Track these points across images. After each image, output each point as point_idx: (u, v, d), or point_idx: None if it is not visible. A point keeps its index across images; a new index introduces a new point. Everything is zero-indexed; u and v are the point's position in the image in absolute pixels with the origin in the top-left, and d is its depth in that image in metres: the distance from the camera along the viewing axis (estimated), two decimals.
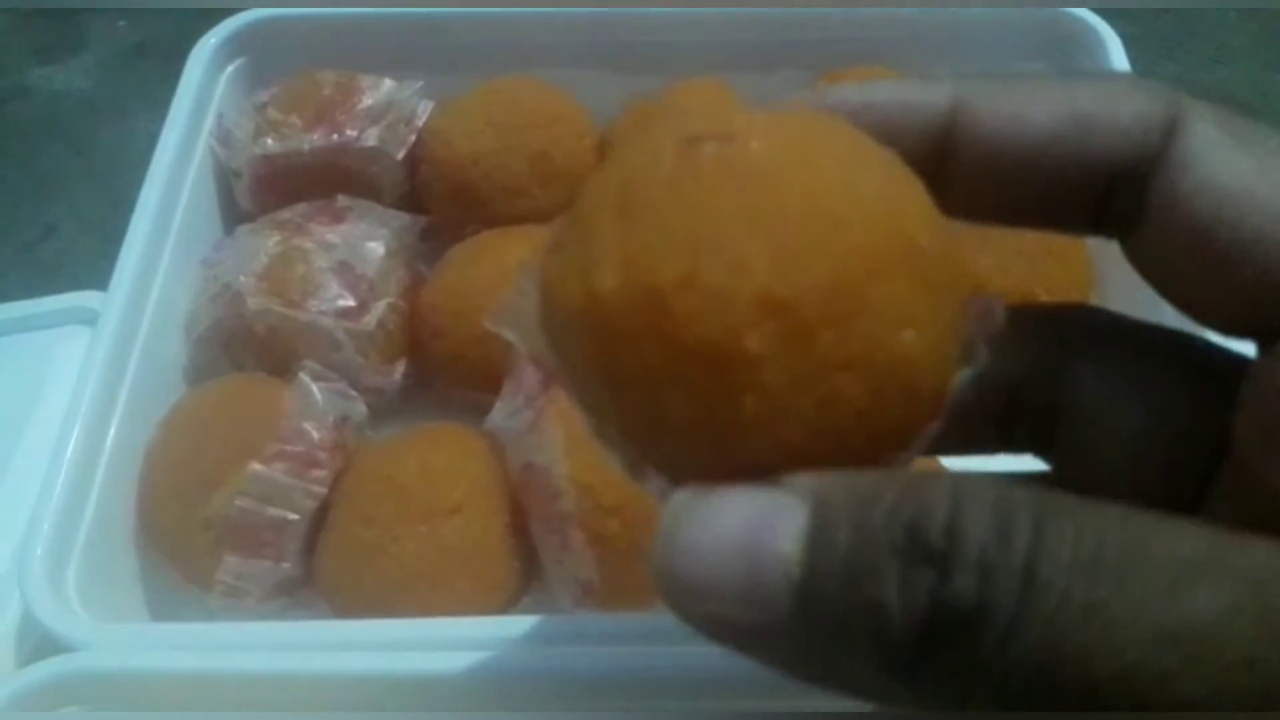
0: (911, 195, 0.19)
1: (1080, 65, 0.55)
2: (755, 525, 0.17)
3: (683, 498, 0.18)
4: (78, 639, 0.38)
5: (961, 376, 0.19)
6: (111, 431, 0.44)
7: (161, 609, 0.45)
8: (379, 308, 0.48)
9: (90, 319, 0.53)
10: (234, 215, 0.54)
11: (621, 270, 0.18)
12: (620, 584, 0.41)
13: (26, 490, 0.44)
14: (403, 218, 0.51)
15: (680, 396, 0.18)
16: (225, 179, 0.54)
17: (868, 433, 0.18)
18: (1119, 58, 0.54)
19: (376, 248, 0.49)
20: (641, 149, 0.19)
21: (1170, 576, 0.15)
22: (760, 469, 0.17)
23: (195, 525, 0.42)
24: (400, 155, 0.53)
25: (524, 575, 0.43)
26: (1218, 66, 0.80)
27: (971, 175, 0.21)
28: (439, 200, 0.53)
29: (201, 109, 0.54)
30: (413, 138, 0.53)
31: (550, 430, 0.42)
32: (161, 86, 0.55)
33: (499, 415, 0.44)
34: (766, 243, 0.17)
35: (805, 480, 0.17)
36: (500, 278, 0.48)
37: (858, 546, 0.16)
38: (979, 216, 0.22)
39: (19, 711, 0.37)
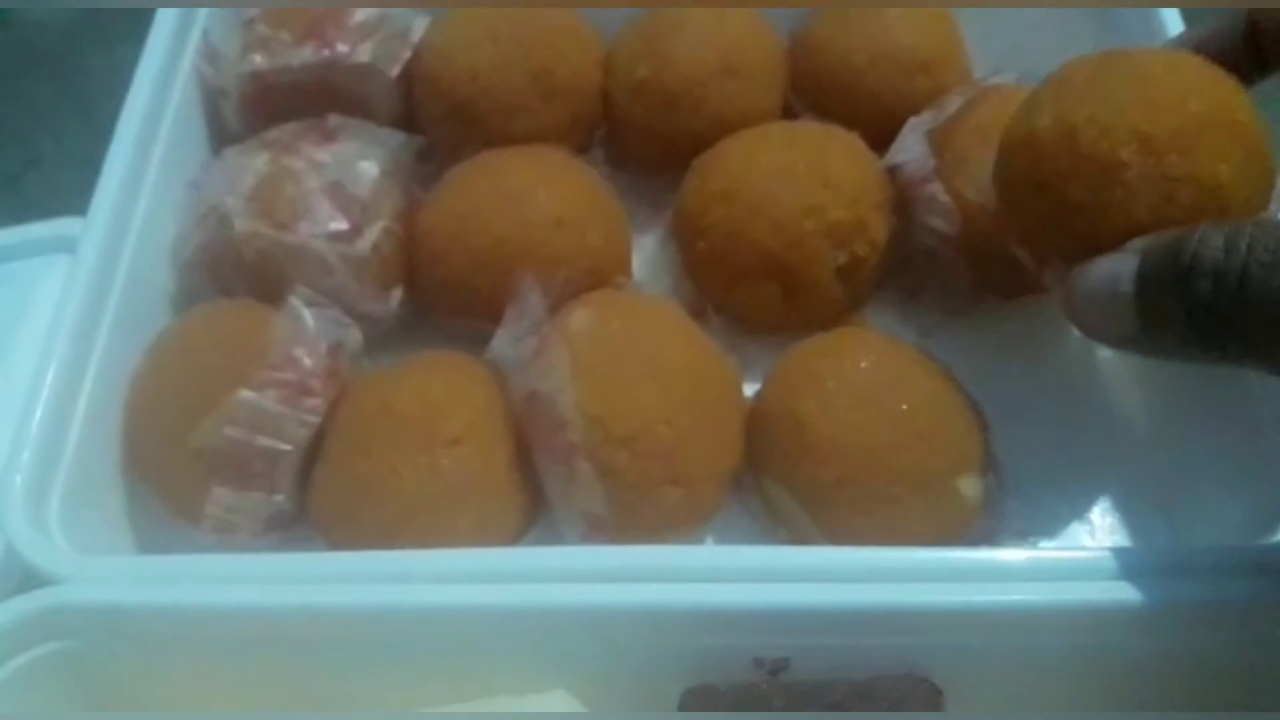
0: (1236, 90, 0.35)
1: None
2: (1112, 276, 0.33)
3: (1079, 268, 0.34)
4: (59, 572, 0.36)
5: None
6: (94, 359, 0.42)
7: (148, 543, 0.43)
8: (373, 231, 0.45)
9: (72, 247, 0.50)
10: (222, 136, 0.51)
11: (1052, 114, 0.36)
12: (631, 518, 0.39)
13: (6, 422, 0.42)
14: (398, 136, 0.48)
15: (1079, 187, 0.35)
16: (212, 99, 0.51)
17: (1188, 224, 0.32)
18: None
19: (370, 168, 0.46)
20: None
21: None
22: (1118, 242, 0.34)
23: (182, 456, 0.39)
24: (395, 72, 0.50)
25: (529, 510, 0.41)
26: None
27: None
28: (436, 119, 0.51)
29: (186, 26, 0.51)
30: (408, 53, 0.50)
31: (556, 357, 0.39)
32: (147, 14, 0.52)
33: (501, 343, 0.41)
34: (1141, 101, 0.34)
35: (1138, 241, 0.33)
36: (500, 198, 0.45)
37: (1158, 273, 0.31)
38: None
39: (0, 647, 0.35)
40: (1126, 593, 0.33)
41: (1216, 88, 0.35)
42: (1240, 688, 0.34)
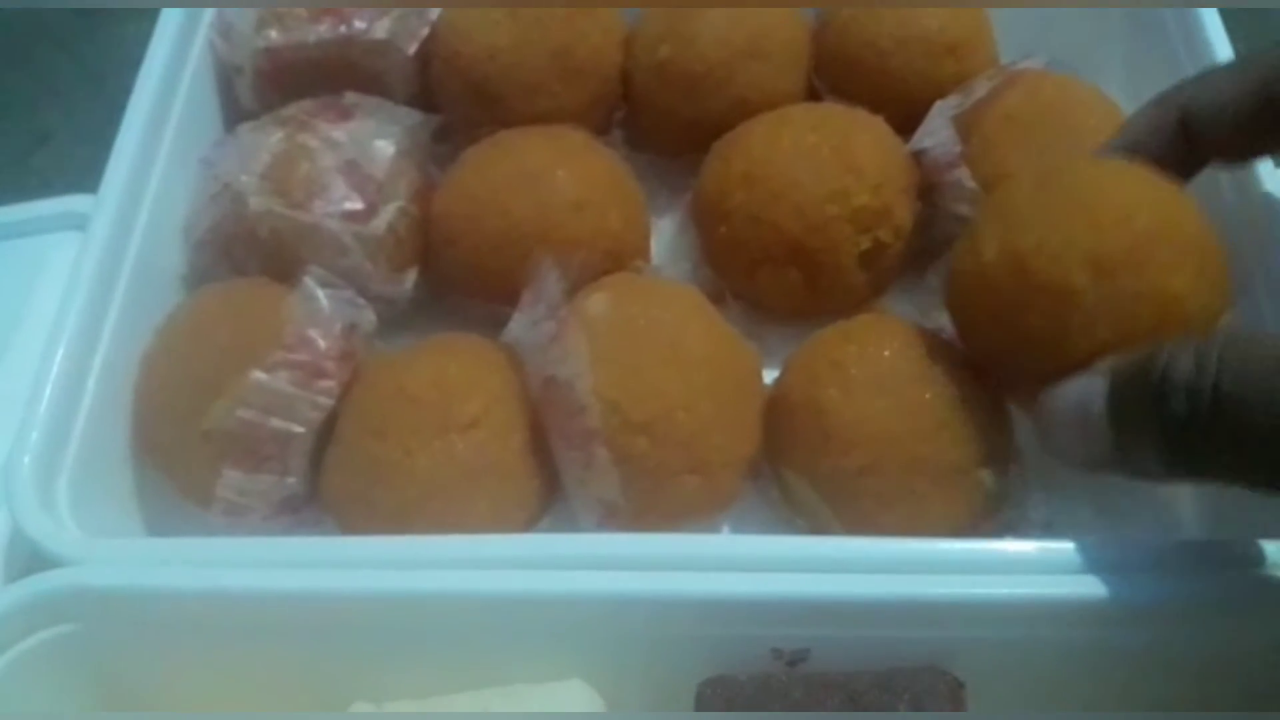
0: (1181, 197, 0.35)
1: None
2: (1082, 399, 0.32)
3: (1047, 392, 0.34)
4: (68, 554, 0.36)
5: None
6: (104, 338, 0.41)
7: (157, 525, 0.42)
8: (388, 211, 0.44)
9: (82, 224, 0.49)
10: (236, 113, 0.50)
11: (998, 245, 0.36)
12: (647, 505, 0.39)
13: (15, 402, 0.42)
14: (414, 115, 0.47)
15: (1035, 317, 0.34)
16: (226, 74, 0.50)
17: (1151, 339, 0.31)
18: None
19: (386, 146, 0.45)
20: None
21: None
22: (1083, 365, 0.33)
23: (194, 437, 0.39)
24: (412, 50, 0.49)
25: (544, 495, 0.40)
26: None
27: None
28: (453, 98, 0.50)
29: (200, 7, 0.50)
30: (425, 30, 0.50)
31: (574, 342, 0.39)
32: None
33: (518, 326, 0.41)
34: (1088, 222, 0.34)
35: (1106, 361, 0.32)
36: (519, 181, 0.45)
37: (1129, 393, 0.31)
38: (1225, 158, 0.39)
39: (7, 630, 0.34)
40: (1150, 586, 0.33)
41: (1163, 198, 0.35)
42: (1270, 681, 0.33)
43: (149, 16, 0.51)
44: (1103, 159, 0.38)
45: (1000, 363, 0.38)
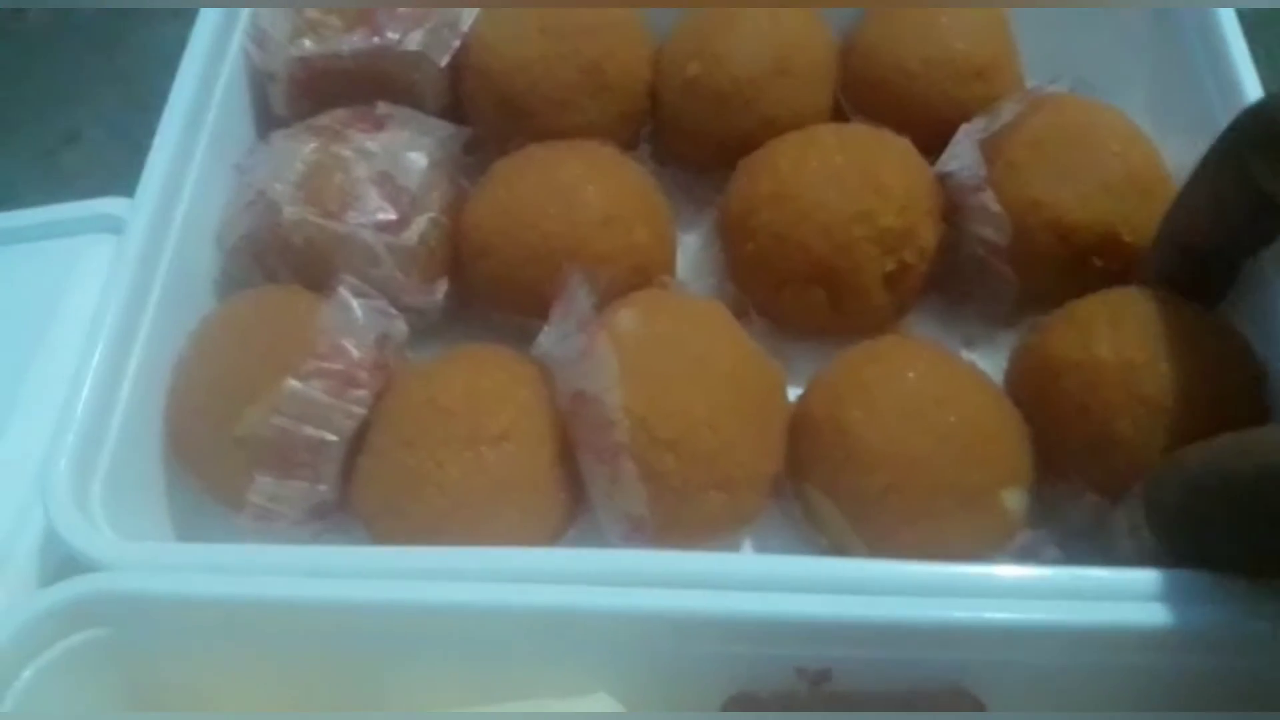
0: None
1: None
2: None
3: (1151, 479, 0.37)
4: (102, 558, 0.36)
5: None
6: (139, 343, 0.42)
7: (188, 529, 0.43)
8: (420, 222, 0.45)
9: (115, 227, 0.50)
10: (268, 121, 0.51)
11: (1112, 346, 0.40)
12: (672, 520, 0.39)
13: (49, 402, 0.42)
14: (447, 127, 0.48)
15: (1125, 423, 0.39)
16: (259, 82, 0.51)
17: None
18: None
19: (419, 158, 0.46)
20: None
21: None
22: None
23: (226, 443, 0.40)
24: (444, 62, 0.50)
25: (571, 507, 0.41)
26: None
27: None
28: (484, 111, 0.50)
29: (235, 9, 0.51)
30: (457, 43, 0.50)
31: (604, 357, 0.39)
32: None
33: (548, 340, 0.41)
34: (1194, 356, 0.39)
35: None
36: (548, 195, 0.45)
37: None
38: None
39: (41, 633, 0.35)
40: (1169, 613, 0.33)
41: (1250, 359, 0.40)
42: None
43: (180, 18, 0.52)
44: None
45: (1061, 453, 0.41)
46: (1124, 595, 0.34)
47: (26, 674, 0.34)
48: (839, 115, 0.51)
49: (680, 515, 0.39)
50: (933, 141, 0.48)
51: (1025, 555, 0.40)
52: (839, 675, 0.34)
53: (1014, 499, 0.39)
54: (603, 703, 0.33)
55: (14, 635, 0.34)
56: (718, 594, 0.33)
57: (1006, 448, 0.40)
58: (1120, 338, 0.39)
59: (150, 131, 0.46)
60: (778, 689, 0.33)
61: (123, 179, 0.49)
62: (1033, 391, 0.41)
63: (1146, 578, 0.34)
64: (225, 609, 0.35)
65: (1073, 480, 0.40)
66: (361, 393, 0.40)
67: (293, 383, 0.39)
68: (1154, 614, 0.33)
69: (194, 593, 0.35)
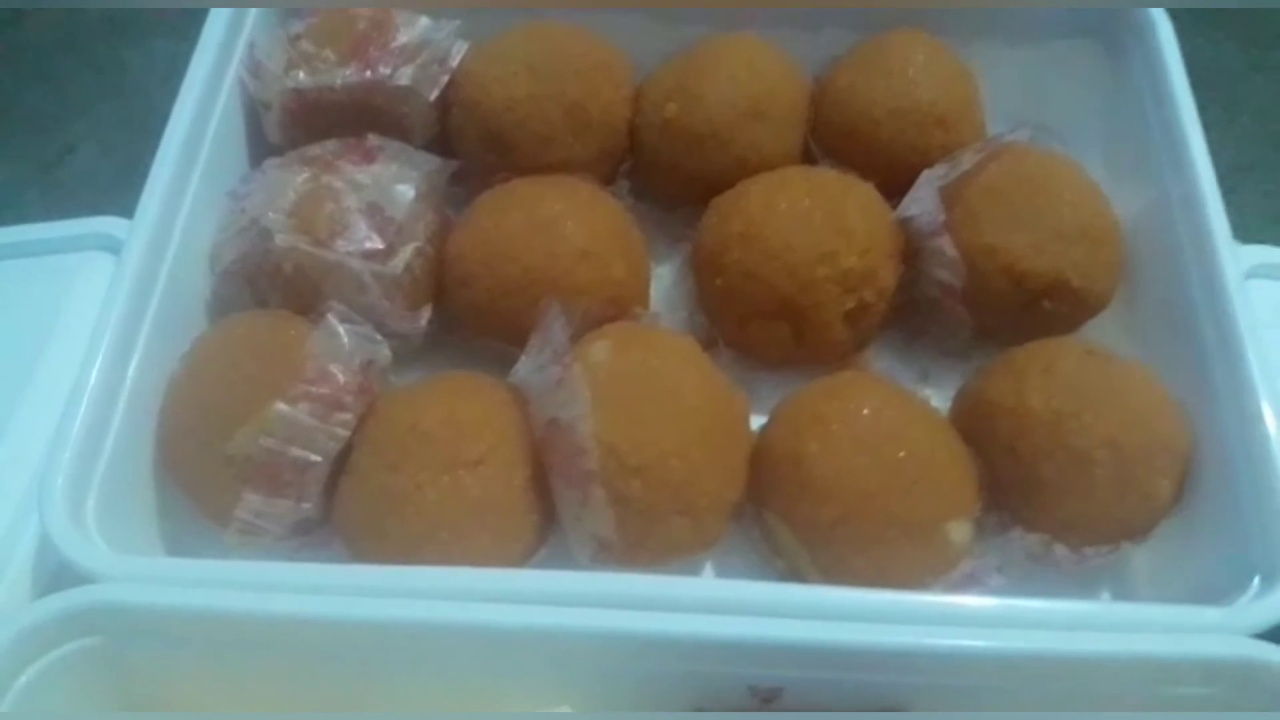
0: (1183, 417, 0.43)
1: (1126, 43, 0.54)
2: None
3: None
4: (97, 570, 0.38)
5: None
6: (134, 361, 0.44)
7: (177, 543, 0.45)
8: (406, 252, 0.47)
9: (111, 245, 0.52)
10: (262, 149, 0.53)
11: (1042, 399, 0.43)
12: (638, 543, 0.41)
13: (46, 416, 0.44)
14: (434, 161, 0.50)
15: (1050, 467, 0.42)
16: (254, 111, 0.53)
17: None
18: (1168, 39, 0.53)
19: (406, 191, 0.48)
20: None
21: None
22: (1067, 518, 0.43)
23: (216, 461, 0.42)
24: (433, 96, 0.52)
25: (542, 528, 0.43)
26: None
27: None
28: (470, 145, 0.52)
29: (232, 38, 0.53)
30: (446, 79, 0.52)
31: (577, 387, 0.41)
32: (185, 9, 0.53)
33: (525, 368, 0.43)
34: (1120, 412, 0.42)
35: None
36: (530, 228, 0.47)
37: None
38: None
39: (37, 641, 0.37)
40: (1099, 641, 0.36)
41: (1178, 414, 0.43)
42: None
43: (173, 35, 0.54)
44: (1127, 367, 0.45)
45: (995, 488, 0.44)
46: (1056, 624, 0.37)
47: (23, 679, 0.36)
48: (808, 157, 0.54)
49: (646, 538, 0.42)
50: (896, 185, 0.50)
51: (969, 582, 0.42)
52: (790, 694, 0.36)
53: (959, 531, 0.42)
54: (567, 717, 0.35)
55: (12, 642, 0.36)
56: (676, 616, 0.36)
57: (953, 482, 0.42)
58: (1049, 388, 0.42)
59: (143, 147, 0.48)
60: (731, 706, 0.35)
61: (116, 194, 0.51)
62: (971, 431, 0.44)
63: (1078, 608, 0.37)
64: (214, 622, 0.37)
65: (1004, 513, 0.43)
66: (346, 416, 0.42)
67: (281, 406, 0.41)
68: (1084, 642, 0.36)
69: (184, 605, 0.37)
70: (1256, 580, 0.39)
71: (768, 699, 0.36)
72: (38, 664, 0.37)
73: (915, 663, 0.36)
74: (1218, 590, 0.40)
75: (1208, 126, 0.50)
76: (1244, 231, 0.52)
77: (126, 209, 0.48)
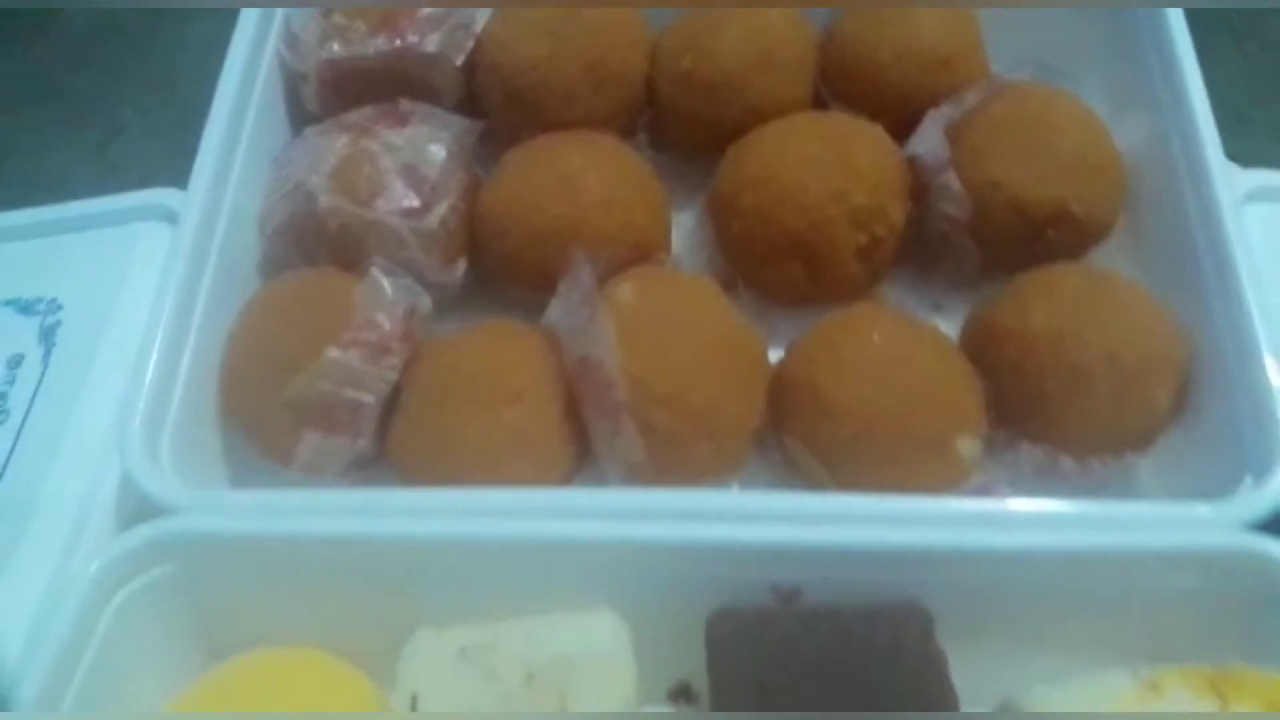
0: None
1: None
2: None
3: None
4: (173, 502, 0.42)
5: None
6: (196, 317, 0.48)
7: (240, 480, 0.48)
8: (441, 208, 0.50)
9: (166, 214, 0.56)
10: (301, 117, 0.56)
11: (1044, 317, 0.46)
12: (666, 468, 0.45)
13: (118, 373, 0.48)
14: (463, 122, 0.53)
15: (1054, 384, 0.45)
16: (292, 82, 0.56)
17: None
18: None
19: (438, 151, 0.51)
20: None
21: None
22: (1067, 429, 0.46)
23: (277, 405, 0.45)
24: (460, 61, 0.55)
25: (578, 458, 0.46)
26: None
27: None
28: (496, 105, 0.55)
29: (269, 16, 0.56)
30: (471, 44, 0.55)
31: (605, 326, 0.44)
32: None
33: (555, 312, 0.46)
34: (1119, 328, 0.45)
35: None
36: (555, 182, 0.50)
37: None
38: None
39: (127, 566, 0.41)
40: (1093, 537, 0.39)
41: (1175, 329, 0.46)
42: (1192, 628, 0.39)
43: (211, 17, 0.57)
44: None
45: (998, 404, 0.46)
46: (1061, 524, 0.40)
47: (117, 600, 0.40)
48: (819, 103, 0.56)
49: (673, 463, 0.45)
50: (905, 126, 0.53)
51: (980, 495, 0.45)
52: (809, 593, 0.39)
53: (968, 446, 0.44)
54: (608, 616, 0.38)
55: (107, 568, 0.40)
56: (703, 524, 0.39)
57: (961, 401, 0.45)
58: (1051, 309, 0.44)
59: (186, 124, 0.52)
60: (755, 604, 0.39)
61: (166, 168, 0.54)
62: (979, 354, 0.46)
63: (1081, 507, 0.40)
64: (280, 546, 0.41)
65: (1012, 430, 0.46)
66: (393, 360, 0.45)
67: (334, 352, 0.44)
68: (1087, 537, 0.39)
69: (254, 532, 0.42)
70: (1249, 478, 0.41)
71: (788, 598, 0.39)
72: (129, 587, 0.41)
73: (925, 560, 0.39)
74: (1215, 493, 0.42)
75: (1221, 57, 0.52)
76: (1253, 158, 0.54)
77: (173, 180, 0.53)
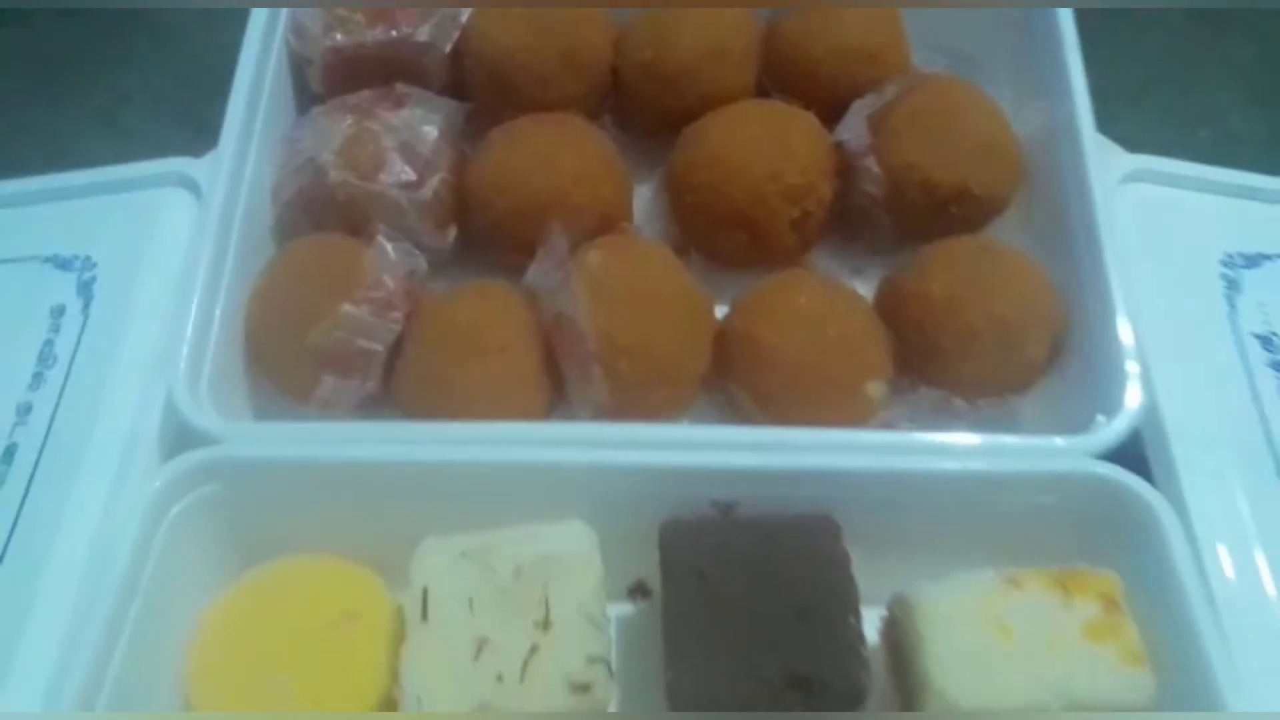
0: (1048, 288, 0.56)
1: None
2: None
3: None
4: (213, 431, 0.50)
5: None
6: (225, 275, 0.55)
7: (264, 416, 0.56)
8: (434, 181, 0.58)
9: (185, 182, 0.62)
10: (307, 98, 0.64)
11: (943, 284, 0.55)
12: (628, 408, 0.53)
13: (153, 324, 0.55)
14: (451, 104, 0.61)
15: (948, 339, 0.55)
16: (299, 66, 0.63)
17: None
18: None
19: (431, 130, 0.59)
20: None
21: None
22: (958, 376, 0.56)
23: (298, 351, 0.53)
24: (448, 48, 0.62)
25: (553, 399, 0.55)
26: None
27: None
28: (480, 88, 0.63)
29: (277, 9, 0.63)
30: (458, 33, 0.63)
31: (577, 287, 0.53)
32: None
33: (535, 274, 0.55)
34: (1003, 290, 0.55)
35: None
36: (533, 159, 0.58)
37: None
38: None
39: (178, 487, 0.49)
40: (969, 464, 0.49)
41: (1052, 295, 0.55)
42: (1046, 537, 0.49)
43: None
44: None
45: (902, 357, 0.56)
46: (948, 452, 0.49)
47: (172, 513, 0.49)
48: (761, 91, 0.64)
49: (634, 404, 0.53)
50: (834, 113, 0.61)
51: (885, 428, 0.54)
52: (743, 506, 0.48)
53: (875, 388, 0.53)
54: (578, 526, 0.47)
55: (163, 488, 0.48)
56: (658, 450, 0.48)
57: (872, 351, 0.54)
58: (948, 275, 0.54)
59: (189, 96, 0.59)
60: (699, 516, 0.48)
61: (175, 136, 0.61)
62: (888, 313, 0.56)
63: (965, 439, 0.49)
64: (306, 469, 0.50)
65: (914, 376, 0.55)
66: (397, 314, 0.54)
67: (348, 306, 0.52)
68: (968, 461, 0.49)
69: (283, 457, 0.50)
70: (1101, 417, 0.51)
71: (726, 510, 0.48)
72: (181, 504, 0.49)
73: (837, 481, 0.48)
74: (1075, 429, 0.52)
75: (1116, 45, 0.60)
76: (1140, 143, 0.63)
77: (182, 145, 0.60)
